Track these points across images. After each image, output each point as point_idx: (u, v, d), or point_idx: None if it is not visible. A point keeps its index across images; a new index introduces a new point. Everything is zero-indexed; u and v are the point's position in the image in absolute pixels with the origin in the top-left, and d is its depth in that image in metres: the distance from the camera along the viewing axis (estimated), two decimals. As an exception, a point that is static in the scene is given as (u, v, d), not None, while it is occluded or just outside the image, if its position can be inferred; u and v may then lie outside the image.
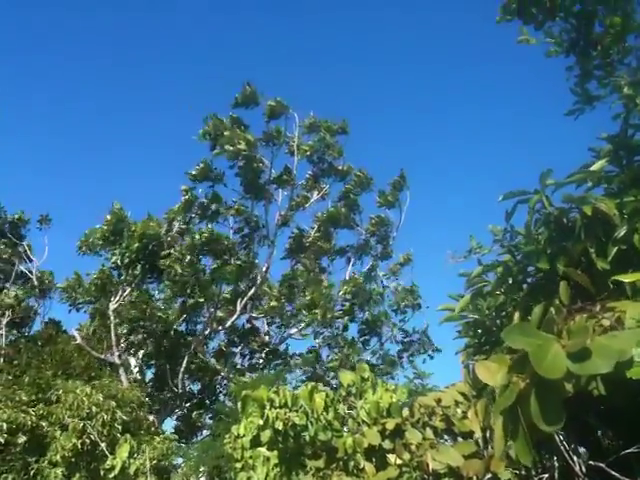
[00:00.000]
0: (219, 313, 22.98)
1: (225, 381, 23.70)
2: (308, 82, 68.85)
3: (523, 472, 4.54)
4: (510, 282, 4.44)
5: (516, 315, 4.19)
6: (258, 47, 79.95)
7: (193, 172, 22.12)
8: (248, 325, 25.18)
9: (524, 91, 68.17)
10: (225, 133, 21.34)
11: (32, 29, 73.81)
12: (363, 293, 23.36)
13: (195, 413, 24.78)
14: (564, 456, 4.02)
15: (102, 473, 11.54)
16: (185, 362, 21.92)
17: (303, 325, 22.99)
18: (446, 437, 6.01)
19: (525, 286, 4.43)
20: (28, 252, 24.36)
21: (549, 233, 4.14)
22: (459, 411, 5.62)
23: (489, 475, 4.53)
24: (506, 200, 4.28)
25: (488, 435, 4.97)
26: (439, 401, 5.42)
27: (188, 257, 20.73)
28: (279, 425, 6.13)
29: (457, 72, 76.12)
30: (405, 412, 5.84)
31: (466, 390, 5.20)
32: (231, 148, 21.24)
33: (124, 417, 14.26)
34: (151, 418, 20.01)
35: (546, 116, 64.55)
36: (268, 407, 6.27)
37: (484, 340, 5.13)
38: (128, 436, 11.35)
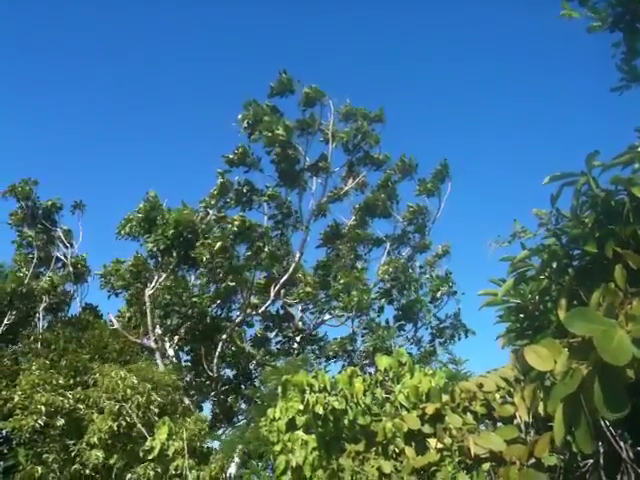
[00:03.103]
0: (253, 299, 23.13)
1: (260, 367, 23.88)
2: (344, 70, 68.37)
3: (567, 457, 4.50)
4: (555, 266, 4.37)
5: (562, 300, 4.13)
6: (295, 35, 79.38)
7: (230, 156, 22.22)
8: (282, 311, 25.31)
9: (568, 71, 66.49)
10: (265, 118, 21.34)
11: (74, 22, 74.73)
12: (402, 275, 23.18)
13: (231, 398, 25.07)
14: (610, 441, 3.96)
15: (141, 454, 11.74)
16: (220, 347, 22.17)
17: (338, 311, 22.95)
18: (487, 422, 5.99)
19: (571, 270, 4.35)
20: (62, 238, 24.78)
21: (596, 216, 4.05)
22: (497, 396, 5.58)
23: (532, 460, 4.50)
24: (551, 183, 4.21)
25: (531, 421, 4.93)
26: (481, 386, 5.39)
27: (221, 244, 20.85)
28: (319, 409, 6.17)
29: (495, 55, 74.78)
30: (444, 397, 5.83)
31: (510, 375, 5.16)
32: (269, 134, 21.23)
33: (160, 400, 14.48)
34: (187, 402, 20.33)
35: (591, 97, 62.93)
36: (308, 391, 6.31)
37: (526, 325, 5.07)
38: (167, 418, 11.53)
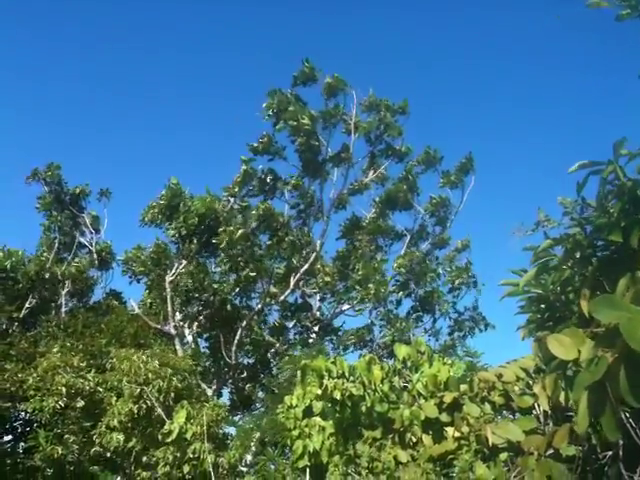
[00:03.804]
0: (272, 288, 23.21)
1: (278, 356, 23.96)
2: (368, 61, 67.98)
3: (586, 448, 4.47)
4: (579, 256, 4.32)
5: (585, 290, 4.09)
6: (320, 25, 78.99)
7: (254, 144, 22.26)
8: (301, 300, 25.37)
9: (594, 59, 65.32)
10: (289, 108, 21.31)
11: (107, 13, 75.30)
12: (420, 267, 23.09)
13: (248, 386, 25.22)
14: (630, 434, 3.93)
15: (160, 438, 11.85)
16: (239, 335, 22.30)
17: (356, 301, 22.94)
18: (505, 413, 5.97)
19: (594, 260, 4.30)
20: (88, 224, 25.02)
21: (622, 205, 4.00)
22: (517, 388, 5.56)
23: (550, 451, 4.48)
24: (577, 171, 4.16)
25: (550, 411, 4.91)
26: (500, 376, 5.38)
27: (243, 232, 20.93)
28: (337, 395, 6.19)
29: (518, 43, 73.76)
30: (463, 387, 5.82)
31: (530, 366, 5.14)
32: (294, 123, 21.19)
33: (178, 385, 14.58)
34: (204, 386, 20.50)
35: (618, 84, 61.79)
36: (326, 377, 6.33)
37: (547, 316, 5.02)
38: (185, 402, 11.62)
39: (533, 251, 4.63)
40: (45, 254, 23.11)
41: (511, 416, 5.72)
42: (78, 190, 25.05)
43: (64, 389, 14.94)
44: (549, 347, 3.12)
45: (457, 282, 23.68)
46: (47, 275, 21.99)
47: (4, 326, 20.47)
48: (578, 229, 4.31)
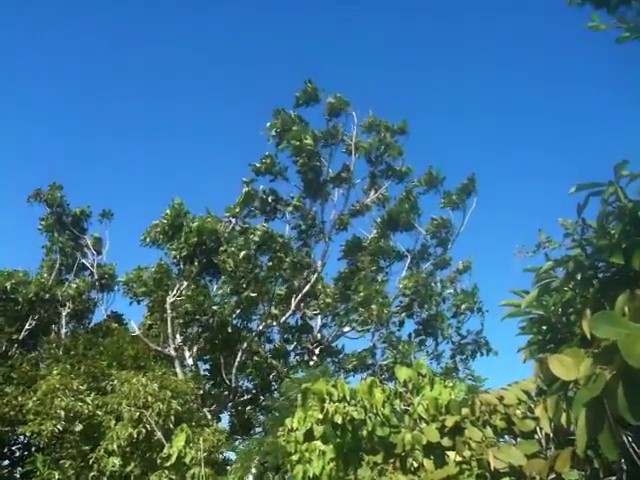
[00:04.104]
0: (273, 310, 23.14)
1: (279, 379, 23.79)
2: (367, 82, 68.47)
3: (589, 473, 4.41)
4: (580, 277, 4.30)
5: (587, 312, 4.06)
6: (319, 45, 79.76)
7: (257, 164, 22.38)
8: (301, 322, 25.28)
9: (594, 80, 65.75)
10: (293, 128, 21.45)
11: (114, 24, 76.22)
12: (425, 289, 23.01)
13: (249, 409, 25.04)
14: (633, 459, 3.88)
15: (158, 462, 11.72)
16: (239, 357, 22.19)
17: (357, 323, 22.85)
18: (506, 437, 5.90)
19: (596, 282, 4.28)
20: (90, 245, 25.10)
21: (623, 227, 3.99)
22: (519, 412, 5.51)
23: (553, 475, 4.42)
24: (578, 192, 4.16)
25: (552, 434, 4.85)
26: (501, 399, 5.32)
27: (245, 253, 20.95)
28: (338, 419, 6.12)
29: (520, 61, 74.38)
30: (464, 410, 5.76)
31: (531, 388, 5.09)
32: (297, 143, 21.32)
33: (178, 408, 14.47)
34: (205, 411, 20.33)
35: (619, 106, 62.06)
36: (327, 401, 6.27)
37: (549, 337, 4.99)
38: (185, 426, 11.52)
39: (535, 272, 4.61)
40: (46, 275, 23.13)
41: (513, 440, 5.66)
42: (79, 211, 25.18)
43: (62, 412, 14.84)
44: (550, 367, 3.09)
45: (463, 307, 23.57)
46: (47, 296, 21.98)
47: (4, 347, 20.43)
48: (579, 250, 4.29)
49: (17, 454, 18.31)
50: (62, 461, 14.69)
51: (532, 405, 5.39)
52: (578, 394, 2.63)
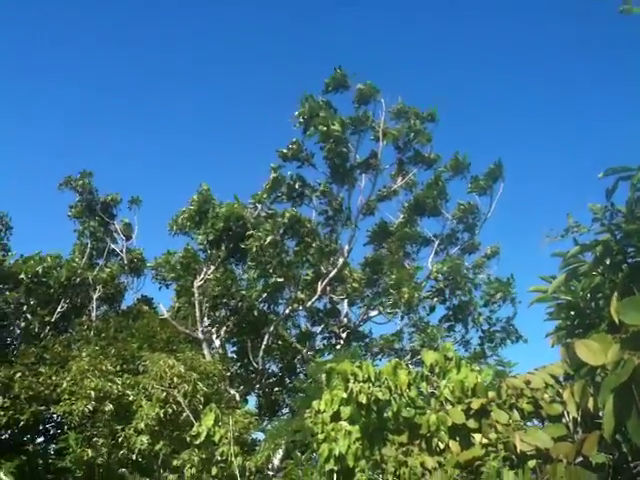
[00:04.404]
0: (300, 294, 23.23)
1: (305, 362, 23.95)
2: (397, 68, 67.85)
3: (617, 457, 4.41)
4: (609, 262, 4.29)
5: (615, 297, 4.05)
6: (350, 32, 79.16)
7: (284, 150, 22.40)
8: (329, 306, 25.34)
9: (623, 66, 64.32)
10: (320, 114, 21.36)
11: (140, 20, 76.69)
12: (458, 275, 22.86)
13: (275, 390, 25.32)
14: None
15: (188, 440, 11.92)
16: (266, 340, 22.39)
17: (386, 307, 22.82)
18: (534, 421, 5.91)
19: (625, 267, 4.26)
20: (119, 230, 25.49)
21: (653, 211, 3.97)
22: (547, 396, 5.51)
23: (580, 459, 4.43)
24: (607, 177, 4.13)
25: (579, 418, 4.85)
26: (528, 383, 5.33)
27: (272, 238, 21.04)
28: (362, 399, 6.19)
29: (549, 51, 73.10)
30: (491, 393, 5.78)
31: (559, 373, 5.08)
32: (325, 129, 21.25)
33: (205, 389, 14.65)
34: (232, 392, 20.61)
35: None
36: (352, 381, 6.34)
37: (577, 322, 4.98)
38: (213, 405, 11.69)
39: (562, 257, 4.60)
40: (77, 260, 23.55)
41: (540, 424, 5.67)
42: (110, 198, 25.56)
43: (92, 393, 15.18)
44: (577, 353, 3.10)
45: (498, 296, 23.41)
46: (78, 280, 22.39)
47: (37, 329, 20.91)
48: (608, 235, 4.27)
49: (51, 432, 18.79)
50: (94, 439, 15.06)
51: (560, 389, 5.38)
52: (606, 380, 2.63)
